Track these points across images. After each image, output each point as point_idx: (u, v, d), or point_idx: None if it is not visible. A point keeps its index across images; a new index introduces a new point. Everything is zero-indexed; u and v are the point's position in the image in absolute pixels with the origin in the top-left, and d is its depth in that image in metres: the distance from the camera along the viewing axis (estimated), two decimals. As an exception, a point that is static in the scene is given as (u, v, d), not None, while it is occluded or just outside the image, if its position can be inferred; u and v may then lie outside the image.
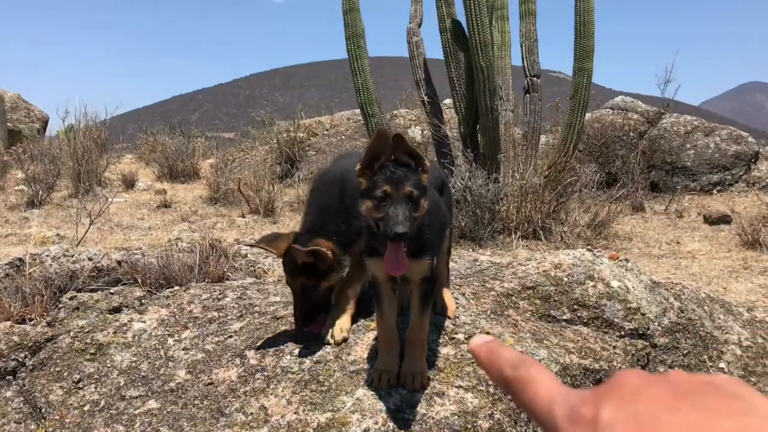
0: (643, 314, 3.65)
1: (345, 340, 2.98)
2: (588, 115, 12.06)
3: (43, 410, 2.92)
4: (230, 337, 3.22)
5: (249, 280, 4.00)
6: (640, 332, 3.57)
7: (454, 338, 3.00)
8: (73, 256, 3.96)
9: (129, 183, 12.99)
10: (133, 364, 3.13)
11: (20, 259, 3.83)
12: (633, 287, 3.79)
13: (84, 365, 3.15)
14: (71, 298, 3.63)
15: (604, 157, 12.62)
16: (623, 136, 12.95)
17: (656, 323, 3.64)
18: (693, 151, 13.08)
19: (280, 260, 3.03)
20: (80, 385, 3.04)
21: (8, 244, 8.31)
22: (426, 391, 2.66)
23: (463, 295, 3.52)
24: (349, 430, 2.51)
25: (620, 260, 4.01)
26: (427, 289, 2.74)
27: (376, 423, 2.53)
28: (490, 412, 2.61)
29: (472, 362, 2.83)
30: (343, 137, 14.66)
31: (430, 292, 2.79)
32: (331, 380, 2.78)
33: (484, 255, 4.81)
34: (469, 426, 2.53)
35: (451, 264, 4.24)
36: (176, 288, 3.83)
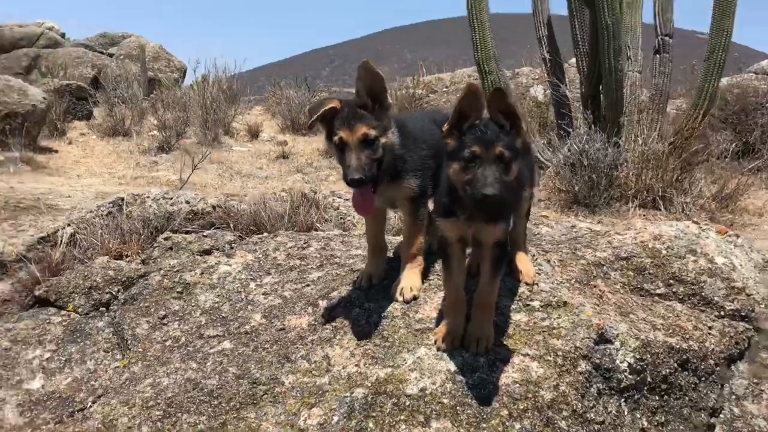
0: (748, 295, 3.35)
1: (415, 298, 2.94)
2: (726, 80, 11.10)
3: (129, 342, 3.11)
4: (308, 285, 3.27)
5: (335, 231, 4.03)
6: (743, 314, 3.28)
7: (528, 305, 2.88)
8: (171, 198, 4.15)
9: (254, 134, 13.41)
10: (216, 305, 3.26)
11: (122, 199, 4.06)
12: (740, 265, 3.48)
13: (170, 303, 3.31)
14: (166, 239, 3.81)
15: (743, 125, 11.63)
16: (766, 103, 11.86)
17: (763, 305, 3.33)
18: None
19: None
20: (165, 321, 3.21)
21: (137, 186, 8.86)
22: (490, 357, 2.59)
23: (548, 261, 3.36)
24: (406, 388, 2.49)
25: (729, 235, 3.69)
26: (500, 254, 2.64)
27: (434, 383, 2.49)
28: (555, 383, 2.50)
29: (544, 331, 2.72)
30: (463, 95, 14.41)
31: (504, 256, 2.69)
32: (395, 336, 2.75)
33: (584, 222, 4.58)
34: (530, 395, 2.43)
35: (545, 230, 4.08)
36: (265, 234, 3.92)
